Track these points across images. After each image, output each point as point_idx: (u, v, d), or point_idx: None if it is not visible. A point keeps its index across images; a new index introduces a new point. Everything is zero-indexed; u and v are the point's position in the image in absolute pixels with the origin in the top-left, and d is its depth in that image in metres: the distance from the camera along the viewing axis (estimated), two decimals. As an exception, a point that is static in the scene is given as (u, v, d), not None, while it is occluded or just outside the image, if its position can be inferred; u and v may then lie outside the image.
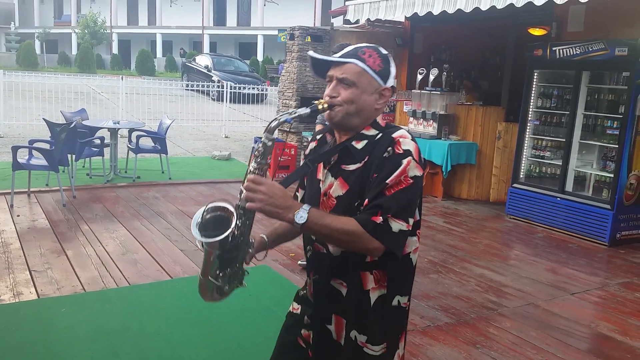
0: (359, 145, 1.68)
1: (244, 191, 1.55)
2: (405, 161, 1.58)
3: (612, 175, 6.06)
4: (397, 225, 1.57)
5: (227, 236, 1.57)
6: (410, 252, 1.72)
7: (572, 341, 3.79)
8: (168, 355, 3.33)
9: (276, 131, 1.61)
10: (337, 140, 1.75)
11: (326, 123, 1.80)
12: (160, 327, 3.67)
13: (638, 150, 5.98)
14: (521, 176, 7.07)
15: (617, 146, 5.98)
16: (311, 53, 1.70)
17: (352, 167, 1.67)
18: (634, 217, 6.15)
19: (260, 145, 1.59)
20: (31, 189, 6.74)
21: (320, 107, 1.65)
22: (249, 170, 1.60)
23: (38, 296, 4.01)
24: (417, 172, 1.60)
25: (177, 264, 4.81)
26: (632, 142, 5.90)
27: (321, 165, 1.76)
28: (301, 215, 1.52)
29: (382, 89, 1.69)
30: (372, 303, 1.68)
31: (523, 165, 7.06)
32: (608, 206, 6.03)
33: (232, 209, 1.61)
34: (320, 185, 1.74)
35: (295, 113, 1.65)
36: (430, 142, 7.77)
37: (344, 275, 1.70)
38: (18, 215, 5.88)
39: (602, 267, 5.48)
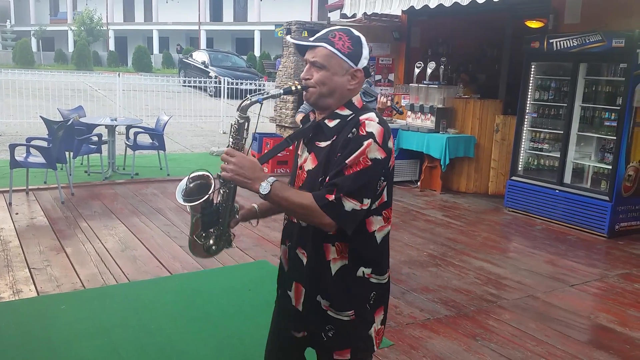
0: (331, 123, 1.77)
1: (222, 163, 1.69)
2: (366, 143, 1.65)
3: (610, 167, 6.07)
4: (349, 205, 1.64)
5: (206, 200, 1.74)
6: (375, 231, 1.77)
7: (572, 332, 3.80)
8: (168, 351, 3.33)
9: (249, 110, 1.77)
10: (317, 119, 1.84)
11: (309, 112, 1.92)
12: (160, 323, 3.67)
13: (636, 142, 5.98)
14: (519, 169, 7.07)
15: (615, 138, 5.99)
16: (288, 38, 1.82)
17: (323, 144, 1.77)
18: (633, 209, 6.16)
19: (235, 123, 1.74)
20: (29, 187, 6.73)
21: (293, 88, 1.76)
22: (228, 145, 1.74)
23: (38, 294, 4.01)
24: (378, 154, 1.67)
25: (176, 260, 4.81)
26: (630, 133, 5.90)
27: (302, 141, 1.87)
28: (264, 186, 1.63)
29: (354, 70, 1.76)
30: (333, 272, 1.76)
31: (521, 157, 7.06)
32: (606, 198, 6.04)
33: (212, 176, 1.79)
34: (298, 159, 1.87)
35: (268, 94, 1.77)
36: (428, 135, 7.76)
37: (306, 245, 1.80)
38: (17, 213, 5.88)
39: (601, 258, 5.49)
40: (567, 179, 6.51)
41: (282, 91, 1.76)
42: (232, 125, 1.75)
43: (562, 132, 6.53)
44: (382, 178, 1.72)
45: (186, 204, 1.78)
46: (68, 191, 6.74)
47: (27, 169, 6.58)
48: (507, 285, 4.62)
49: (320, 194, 1.65)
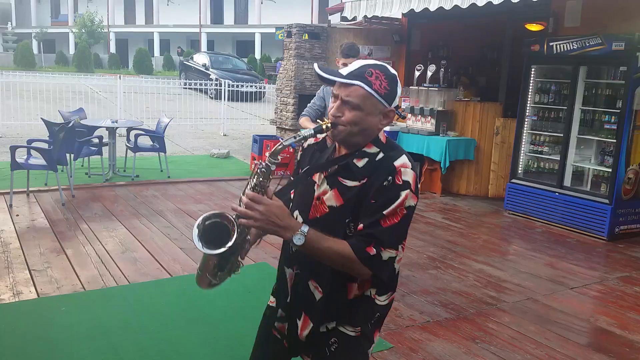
0: (360, 163, 1.69)
1: (243, 207, 1.58)
2: (404, 194, 1.63)
3: (610, 170, 6.07)
4: (387, 254, 1.65)
5: (230, 247, 1.64)
6: (395, 263, 1.76)
7: (571, 335, 3.80)
8: (168, 353, 3.34)
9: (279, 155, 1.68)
10: (337, 149, 1.78)
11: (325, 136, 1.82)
12: (160, 325, 3.68)
13: (636, 145, 5.99)
14: (519, 171, 7.08)
15: (615, 141, 5.99)
16: (317, 69, 1.68)
17: (349, 183, 1.69)
18: (633, 212, 6.17)
19: (264, 166, 1.64)
20: (30, 189, 6.74)
21: (324, 126, 1.67)
22: (250, 186, 1.65)
23: (38, 295, 4.02)
24: (413, 202, 1.66)
25: (176, 262, 4.81)
26: (630, 136, 5.91)
27: (321, 175, 1.78)
28: (299, 237, 1.58)
29: (387, 111, 1.70)
30: (349, 299, 1.75)
31: (521, 160, 7.07)
32: (606, 201, 6.04)
33: (230, 217, 1.66)
34: (315, 188, 1.76)
35: (300, 136, 1.67)
36: (428, 138, 7.77)
37: (322, 282, 1.75)
38: (17, 215, 5.89)
39: (601, 261, 5.49)
40: (567, 181, 6.51)
41: (313, 131, 1.67)
42: (257, 167, 1.66)
43: (562, 135, 6.54)
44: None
45: (210, 252, 1.65)
46: (69, 193, 6.75)
47: (28, 171, 6.58)
48: (507, 287, 4.63)
49: (359, 246, 1.62)
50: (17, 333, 3.47)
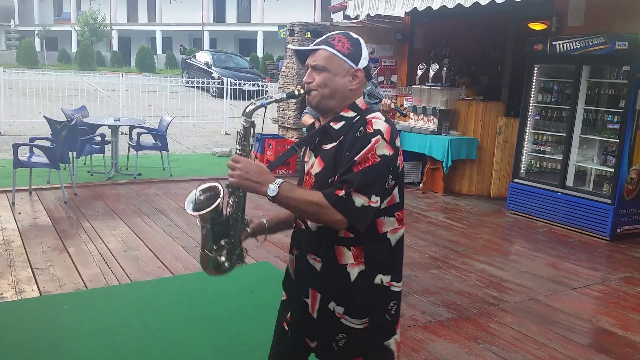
0: (337, 125, 1.78)
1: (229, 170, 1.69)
2: (374, 139, 1.67)
3: (612, 170, 6.06)
4: (359, 200, 1.64)
5: (215, 208, 1.74)
6: (387, 232, 1.77)
7: (573, 336, 3.80)
8: (170, 352, 3.34)
9: (254, 114, 1.77)
10: (322, 124, 1.85)
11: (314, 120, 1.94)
12: (162, 324, 3.68)
13: (639, 145, 5.98)
14: (522, 171, 7.07)
15: (617, 140, 5.98)
16: (290, 46, 1.85)
17: (329, 146, 1.77)
18: (635, 212, 6.15)
19: (240, 128, 1.75)
20: (32, 187, 6.75)
21: (296, 92, 1.78)
22: (236, 151, 1.76)
23: (40, 293, 4.03)
24: (386, 151, 1.68)
25: (178, 260, 4.82)
26: (633, 136, 5.90)
27: (309, 148, 1.88)
28: (272, 188, 1.63)
29: (354, 70, 1.77)
30: (352, 278, 1.74)
31: (524, 160, 7.06)
32: (609, 201, 6.03)
33: (220, 186, 1.80)
34: (305, 166, 1.86)
35: (271, 98, 1.77)
36: (430, 137, 7.76)
37: (318, 251, 1.78)
38: (20, 213, 5.90)
39: (603, 261, 5.48)
40: (570, 181, 6.50)
41: (285, 95, 1.76)
42: (237, 131, 1.76)
43: (564, 134, 6.52)
44: (391, 177, 1.71)
45: (194, 213, 1.77)
46: (71, 191, 6.76)
47: (30, 169, 6.60)
48: (509, 288, 4.62)
49: (330, 190, 1.65)
50: (19, 331, 3.48)
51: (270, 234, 1.96)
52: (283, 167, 8.46)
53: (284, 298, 1.99)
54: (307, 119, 4.49)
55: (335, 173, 1.70)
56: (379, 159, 1.65)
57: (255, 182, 1.64)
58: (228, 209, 1.78)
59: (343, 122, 1.76)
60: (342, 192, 1.63)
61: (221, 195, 1.76)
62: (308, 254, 1.80)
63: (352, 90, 1.78)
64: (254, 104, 1.73)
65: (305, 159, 1.88)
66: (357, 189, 1.63)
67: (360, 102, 1.80)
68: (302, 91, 1.78)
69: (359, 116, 1.76)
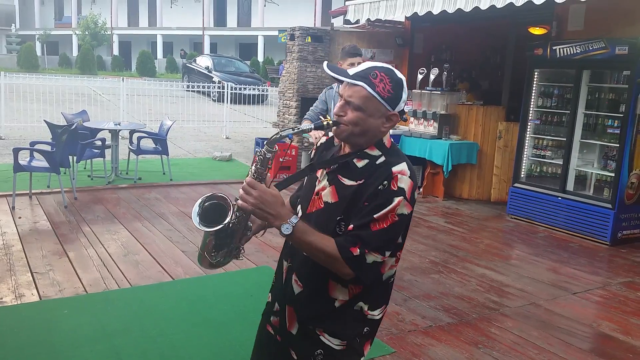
0: (360, 163, 1.71)
1: (240, 191, 1.64)
2: (396, 200, 1.63)
3: (613, 175, 6.06)
4: (371, 258, 1.63)
5: (223, 227, 1.71)
6: (385, 272, 1.74)
7: (574, 341, 3.79)
8: (170, 356, 3.33)
9: (276, 145, 1.71)
10: (342, 148, 1.80)
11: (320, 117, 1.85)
12: (162, 328, 3.68)
13: (639, 149, 5.98)
14: (522, 176, 7.06)
15: (618, 145, 5.98)
16: (325, 68, 1.72)
17: (347, 182, 1.71)
18: (635, 216, 6.15)
19: (262, 154, 1.69)
20: (32, 191, 6.75)
21: (325, 123, 1.69)
22: (249, 172, 1.70)
23: (40, 298, 4.02)
24: (406, 210, 1.65)
25: (178, 265, 4.81)
26: (633, 141, 5.90)
27: (323, 172, 1.81)
28: (287, 227, 1.60)
29: (390, 114, 1.70)
30: (337, 305, 1.74)
31: (524, 164, 7.05)
32: (609, 205, 6.02)
33: (230, 202, 1.74)
34: (317, 183, 1.79)
35: (298, 129, 1.72)
36: (431, 142, 7.77)
37: (304, 276, 1.77)
38: (20, 217, 5.89)
39: (604, 266, 5.47)
40: (570, 186, 6.50)
41: (312, 126, 1.70)
42: (256, 154, 1.70)
43: (564, 139, 6.53)
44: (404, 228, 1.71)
45: (203, 228, 1.73)
46: (71, 195, 6.76)
47: (31, 173, 6.59)
48: (510, 292, 4.61)
49: (344, 244, 1.62)
50: (19, 336, 3.47)
51: (268, 227, 1.92)
52: (282, 172, 8.46)
53: (269, 300, 1.95)
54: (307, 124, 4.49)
55: (347, 214, 1.67)
56: (397, 218, 1.64)
57: (269, 214, 1.60)
58: (232, 219, 1.73)
59: (367, 161, 1.71)
60: (357, 251, 1.61)
61: (230, 214, 1.71)
62: (293, 273, 1.80)
63: (383, 131, 1.72)
64: (280, 134, 1.68)
65: (318, 175, 1.81)
66: (373, 250, 1.62)
67: (386, 139, 1.74)
68: (330, 122, 1.70)
69: (383, 157, 1.71)
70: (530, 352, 3.59)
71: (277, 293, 1.89)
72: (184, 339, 3.55)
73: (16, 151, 6.25)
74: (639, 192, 6.10)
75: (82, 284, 4.30)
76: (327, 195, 1.74)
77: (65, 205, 6.39)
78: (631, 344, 3.81)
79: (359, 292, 1.73)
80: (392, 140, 1.79)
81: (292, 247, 1.81)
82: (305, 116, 4.66)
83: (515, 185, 7.04)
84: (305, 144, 8.96)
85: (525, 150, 7.02)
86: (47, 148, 6.74)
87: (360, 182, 1.68)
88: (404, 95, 1.71)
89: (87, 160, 7.79)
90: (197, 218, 1.75)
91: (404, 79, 1.72)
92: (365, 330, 1.79)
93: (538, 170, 7.03)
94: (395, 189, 1.63)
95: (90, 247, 5.13)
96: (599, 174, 6.34)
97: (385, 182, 1.64)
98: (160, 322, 3.78)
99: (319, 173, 1.80)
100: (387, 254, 1.66)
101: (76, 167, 7.21)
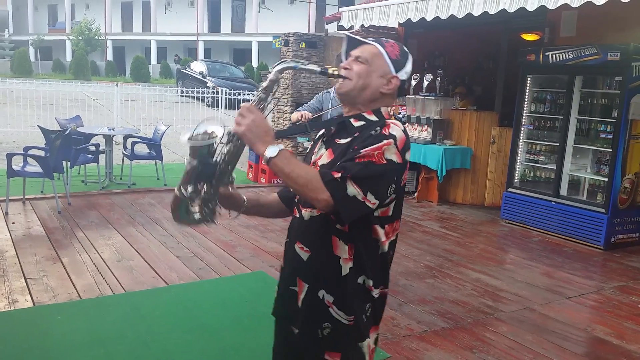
0: (356, 123, 1.76)
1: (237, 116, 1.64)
2: (385, 141, 1.64)
3: (606, 179, 6.09)
4: (352, 189, 1.59)
5: (210, 146, 1.67)
6: (378, 240, 1.74)
7: (569, 345, 3.80)
8: (164, 362, 3.32)
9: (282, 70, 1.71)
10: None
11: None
12: (156, 334, 3.66)
13: (632, 154, 6.02)
14: (516, 180, 7.10)
15: (611, 150, 6.02)
16: (347, 33, 1.83)
17: (343, 140, 1.74)
18: (629, 221, 6.18)
19: (268, 80, 1.69)
20: (26, 196, 6.72)
21: (330, 70, 1.75)
22: (254, 100, 1.70)
23: (33, 304, 4.00)
24: (395, 157, 1.65)
25: (172, 270, 4.80)
26: (626, 145, 5.94)
27: (321, 139, 1.85)
28: (273, 150, 1.58)
29: (392, 76, 1.78)
30: (344, 273, 1.72)
31: (517, 169, 7.09)
32: (603, 210, 6.06)
33: (222, 130, 1.70)
34: (313, 156, 1.83)
35: (306, 64, 1.72)
36: (424, 147, 7.79)
37: (308, 240, 1.77)
38: (13, 223, 5.86)
39: (598, 270, 5.50)
40: (564, 191, 6.53)
41: (319, 69, 1.73)
42: (261, 83, 1.74)
43: (558, 144, 6.56)
44: (394, 186, 1.68)
45: (188, 142, 1.68)
46: (65, 201, 6.73)
47: (24, 178, 6.56)
48: (504, 297, 4.62)
49: (326, 171, 1.62)
50: (12, 342, 3.45)
51: (245, 213, 1.92)
52: (276, 177, 8.46)
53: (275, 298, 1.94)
54: (296, 115, 4.47)
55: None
56: (384, 161, 1.63)
57: (259, 138, 1.59)
58: (221, 156, 1.69)
59: (363, 122, 1.75)
60: (337, 175, 1.59)
61: (220, 136, 1.68)
62: (296, 243, 1.79)
63: (382, 93, 1.77)
64: (286, 61, 1.70)
65: (315, 150, 1.84)
66: (354, 178, 1.59)
67: (384, 110, 1.78)
68: (336, 72, 1.75)
69: (379, 121, 1.74)
70: (525, 356, 3.59)
71: (284, 274, 1.88)
72: (178, 344, 3.53)
73: (10, 156, 6.23)
74: (632, 197, 6.13)
75: (76, 289, 4.28)
76: (323, 159, 1.77)
77: (59, 210, 6.37)
78: (625, 348, 3.82)
79: (353, 254, 1.71)
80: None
81: (292, 222, 1.85)
82: (298, 108, 4.68)
83: (509, 190, 7.07)
84: (300, 149, 8.98)
85: (519, 155, 7.05)
86: (41, 153, 6.72)
87: (355, 135, 1.72)
88: (409, 67, 1.80)
89: (81, 165, 7.76)
90: (187, 135, 1.69)
91: (410, 55, 1.83)
92: (367, 307, 1.77)
93: (532, 175, 7.07)
94: (386, 134, 1.66)
95: (84, 252, 5.11)
96: (592, 178, 6.38)
97: (378, 128, 1.68)
98: (154, 327, 3.77)
99: (317, 147, 1.84)
100: (369, 196, 1.61)
101: (70, 173, 7.19)
